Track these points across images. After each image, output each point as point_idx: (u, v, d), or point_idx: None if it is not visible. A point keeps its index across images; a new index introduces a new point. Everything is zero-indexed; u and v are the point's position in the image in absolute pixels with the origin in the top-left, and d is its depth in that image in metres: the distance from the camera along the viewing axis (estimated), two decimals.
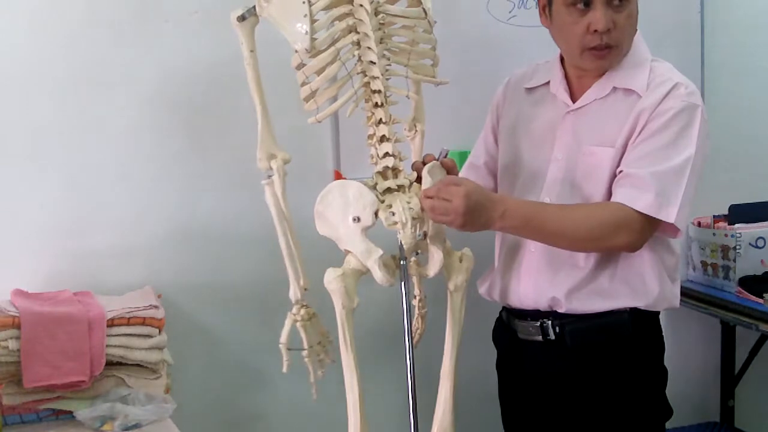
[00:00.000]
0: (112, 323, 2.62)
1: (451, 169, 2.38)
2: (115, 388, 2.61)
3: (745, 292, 3.27)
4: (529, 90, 2.67)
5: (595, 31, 2.42)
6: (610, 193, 2.45)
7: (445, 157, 2.37)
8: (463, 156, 3.18)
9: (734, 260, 3.32)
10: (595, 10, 2.41)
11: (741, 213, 3.38)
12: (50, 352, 2.53)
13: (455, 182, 2.29)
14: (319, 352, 2.61)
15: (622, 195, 2.39)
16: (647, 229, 2.41)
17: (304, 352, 2.58)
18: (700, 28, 3.49)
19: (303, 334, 2.57)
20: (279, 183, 2.48)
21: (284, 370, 2.58)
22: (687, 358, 3.55)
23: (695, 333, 3.60)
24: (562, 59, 2.60)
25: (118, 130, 2.94)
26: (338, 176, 3.10)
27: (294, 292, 2.56)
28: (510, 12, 3.29)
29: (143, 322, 2.65)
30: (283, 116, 2.85)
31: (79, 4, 2.88)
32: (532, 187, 2.56)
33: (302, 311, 2.56)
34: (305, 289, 2.56)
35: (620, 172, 2.43)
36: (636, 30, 2.50)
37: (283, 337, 2.56)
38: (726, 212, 3.40)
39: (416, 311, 2.88)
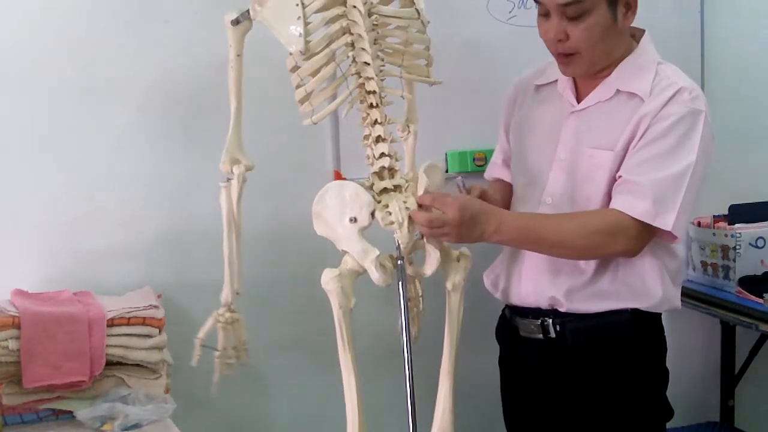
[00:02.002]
0: (112, 323, 2.63)
1: (483, 194, 2.47)
2: (115, 388, 2.62)
3: (745, 292, 3.26)
4: (538, 87, 2.68)
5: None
6: (609, 196, 2.45)
7: (464, 186, 2.42)
8: (462, 156, 3.20)
9: (734, 260, 3.31)
10: (551, 19, 2.44)
11: (741, 213, 3.37)
12: (50, 352, 2.54)
13: (450, 195, 2.31)
14: (231, 356, 2.71)
15: (619, 201, 2.40)
16: (644, 236, 2.41)
17: (216, 353, 2.68)
18: (700, 28, 3.49)
19: (220, 336, 2.67)
20: (236, 188, 2.59)
21: (193, 363, 2.66)
22: (687, 358, 3.54)
23: (695, 333, 3.60)
24: None
25: (117, 130, 2.95)
26: (338, 176, 3.11)
27: (226, 295, 2.66)
28: (510, 12, 3.28)
29: (143, 322, 2.66)
30: (283, 116, 2.87)
31: (80, 3, 2.89)
32: (535, 186, 2.58)
33: (227, 314, 2.66)
34: (237, 293, 2.65)
35: (619, 177, 2.43)
36: (613, 39, 2.47)
37: (201, 332, 2.67)
38: (726, 212, 3.40)
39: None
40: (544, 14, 2.46)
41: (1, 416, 2.54)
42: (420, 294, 2.83)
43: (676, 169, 2.39)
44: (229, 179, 2.59)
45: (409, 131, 2.59)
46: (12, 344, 2.52)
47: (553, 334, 2.55)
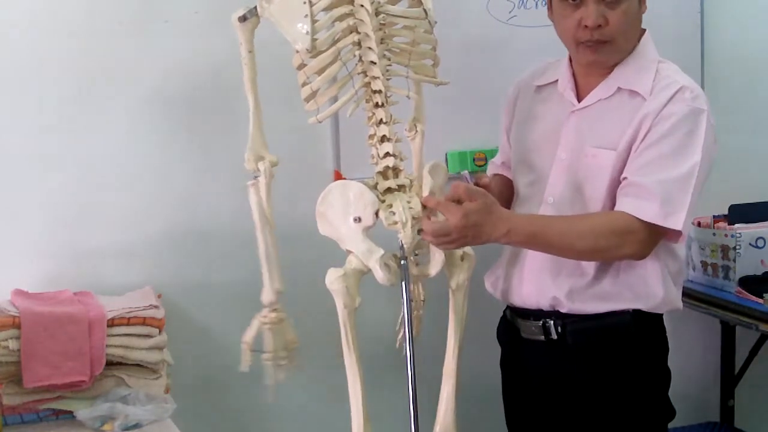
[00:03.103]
0: (112, 323, 2.62)
1: (486, 186, 2.41)
2: (115, 388, 2.61)
3: (745, 292, 3.25)
4: (539, 88, 2.67)
5: (586, 26, 2.42)
6: (611, 196, 2.45)
7: (471, 179, 2.40)
8: (463, 156, 3.19)
9: (734, 260, 3.31)
10: (586, 5, 2.42)
11: (741, 213, 3.37)
12: (50, 352, 2.53)
13: (457, 199, 2.29)
14: (282, 357, 2.60)
15: (626, 204, 2.39)
16: (652, 239, 2.41)
17: (265, 356, 2.58)
18: (700, 28, 3.49)
19: (268, 338, 2.58)
20: (264, 185, 2.52)
21: (242, 369, 2.59)
22: (687, 358, 3.54)
23: (695, 333, 3.59)
24: (570, 58, 2.60)
25: (118, 130, 2.94)
26: (338, 176, 3.10)
27: (267, 295, 2.57)
28: (510, 12, 3.28)
29: (143, 322, 2.65)
30: (283, 116, 2.87)
31: (80, 4, 2.88)
32: (537, 186, 2.58)
33: (272, 315, 2.57)
34: (279, 293, 2.57)
35: (624, 179, 2.42)
36: (638, 27, 2.50)
37: (247, 336, 2.58)
38: (726, 212, 3.39)
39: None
40: (575, 3, 2.43)
41: (1, 416, 2.53)
42: (422, 298, 2.81)
43: (682, 170, 2.38)
44: (256, 177, 2.53)
45: (416, 131, 2.59)
46: (12, 344, 2.52)
47: (554, 336, 2.54)
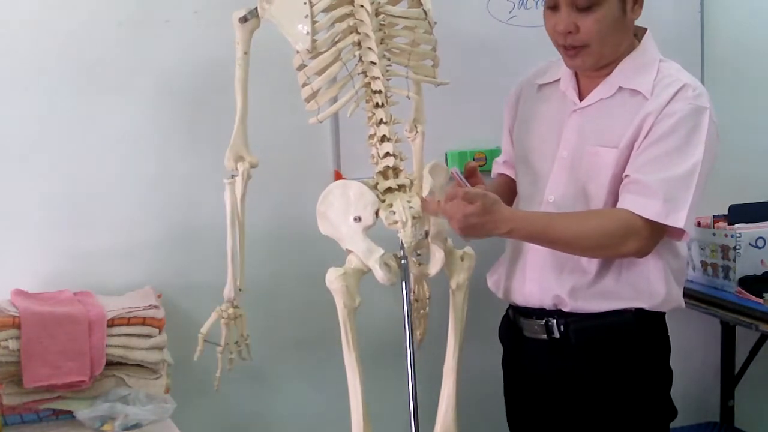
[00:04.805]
0: (112, 323, 2.62)
1: (473, 170, 2.46)
2: (115, 388, 2.61)
3: (745, 292, 3.25)
4: (541, 87, 2.68)
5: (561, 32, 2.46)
6: (612, 194, 2.46)
7: (459, 174, 2.41)
8: (462, 156, 3.19)
9: (734, 260, 3.31)
10: (560, 11, 2.44)
11: (741, 213, 3.36)
12: (50, 352, 2.53)
13: (460, 198, 2.29)
14: (233, 350, 2.76)
15: (629, 202, 2.40)
16: (655, 236, 2.41)
17: (219, 348, 2.74)
18: (700, 28, 3.49)
19: (223, 332, 2.72)
20: (240, 185, 2.61)
21: (195, 357, 2.71)
22: (687, 358, 3.51)
23: (695, 333, 3.59)
24: None
25: (118, 130, 2.94)
26: (338, 176, 3.10)
27: (228, 291, 2.70)
28: (510, 12, 3.28)
29: (143, 322, 2.65)
30: (283, 116, 2.87)
31: (80, 3, 2.88)
32: (538, 185, 2.58)
33: (230, 310, 2.71)
34: (239, 290, 2.70)
35: (627, 176, 2.42)
36: (621, 33, 2.49)
37: (204, 328, 2.71)
38: (726, 212, 3.39)
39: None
40: (553, 7, 2.46)
41: (1, 416, 2.53)
42: (427, 296, 2.82)
43: (684, 168, 2.39)
44: (233, 176, 2.60)
45: (416, 131, 2.59)
46: (12, 344, 2.52)
47: (557, 335, 2.55)
